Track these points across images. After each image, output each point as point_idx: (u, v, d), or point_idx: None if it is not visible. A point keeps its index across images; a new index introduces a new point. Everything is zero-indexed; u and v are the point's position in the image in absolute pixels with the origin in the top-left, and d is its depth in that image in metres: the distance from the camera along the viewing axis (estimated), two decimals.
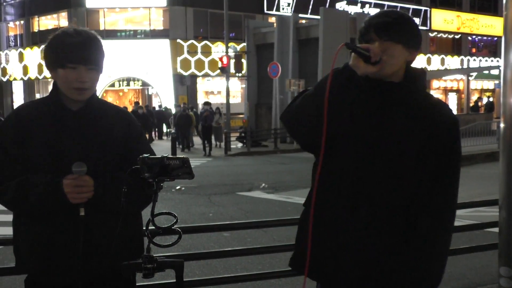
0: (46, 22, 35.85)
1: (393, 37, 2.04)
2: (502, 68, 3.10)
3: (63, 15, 33.52)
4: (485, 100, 39.41)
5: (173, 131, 21.78)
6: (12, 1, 37.76)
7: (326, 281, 2.18)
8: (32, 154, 2.20)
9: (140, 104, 28.85)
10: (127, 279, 2.25)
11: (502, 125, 3.16)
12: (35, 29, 36.18)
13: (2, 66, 37.98)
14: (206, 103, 22.87)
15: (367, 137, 2.05)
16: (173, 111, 27.82)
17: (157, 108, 29.50)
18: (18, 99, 37.31)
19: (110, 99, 32.96)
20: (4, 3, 38.25)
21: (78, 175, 2.10)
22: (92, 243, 2.17)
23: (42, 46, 34.23)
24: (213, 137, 22.52)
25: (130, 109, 23.64)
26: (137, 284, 2.43)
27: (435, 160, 2.05)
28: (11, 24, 38.22)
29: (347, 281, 2.10)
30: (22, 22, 36.83)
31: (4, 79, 37.95)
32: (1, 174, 2.21)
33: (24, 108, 2.34)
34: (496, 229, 3.39)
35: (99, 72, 2.27)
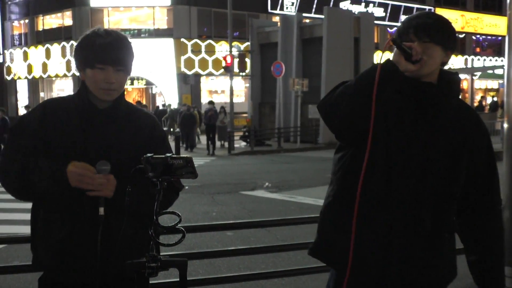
0: (50, 21, 35.93)
1: (433, 39, 2.08)
2: (505, 68, 3.10)
3: (68, 14, 33.59)
4: (489, 100, 39.30)
5: (177, 130, 21.79)
6: (17, 0, 37.85)
7: (353, 272, 2.15)
8: (54, 148, 2.19)
9: (144, 103, 28.93)
10: (142, 280, 2.25)
11: (505, 125, 3.16)
12: (40, 28, 36.26)
13: (6, 65, 38.07)
14: (210, 102, 22.88)
15: (400, 133, 2.08)
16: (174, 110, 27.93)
17: (160, 107, 29.53)
18: (23, 98, 37.41)
19: None
20: (9, 2, 38.35)
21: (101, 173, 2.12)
22: (110, 243, 2.16)
23: (47, 45, 34.40)
24: (217, 136, 22.53)
25: None
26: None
27: (474, 162, 2.16)
28: (15, 23, 38.31)
29: (376, 274, 2.14)
30: (26, 21, 36.92)
31: (9, 78, 38.05)
32: (13, 158, 2.18)
33: (52, 102, 2.34)
34: None
35: (128, 73, 2.28)
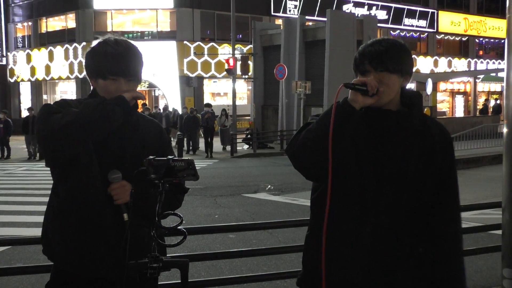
0: (53, 24, 36.03)
1: (388, 68, 2.11)
2: (505, 70, 3.11)
3: (71, 16, 33.69)
4: (492, 103, 39.27)
5: (179, 132, 21.82)
6: (20, 3, 37.96)
7: None
8: (83, 155, 2.24)
9: (147, 105, 28.94)
10: (152, 280, 2.28)
11: (505, 129, 3.17)
12: (43, 30, 36.36)
13: (10, 67, 38.17)
14: (207, 105, 22.86)
15: (370, 160, 2.14)
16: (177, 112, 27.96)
17: (170, 109, 29.47)
18: (26, 100, 37.49)
19: None
20: (13, 4, 38.46)
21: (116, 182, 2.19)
22: (127, 237, 2.17)
23: (50, 47, 34.51)
24: (219, 140, 22.52)
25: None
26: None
27: (437, 175, 2.18)
28: (19, 25, 38.41)
29: None
30: (30, 23, 37.02)
31: (12, 80, 38.15)
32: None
33: (70, 103, 2.35)
34: (500, 231, 3.41)
35: (138, 82, 2.36)
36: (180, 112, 28.51)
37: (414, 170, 2.14)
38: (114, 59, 2.24)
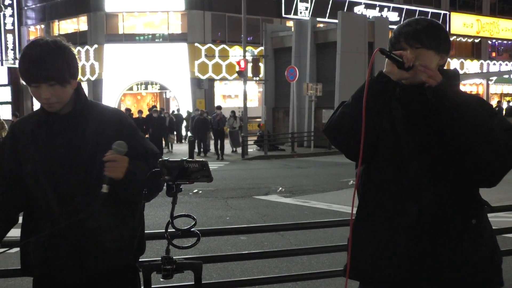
0: (66, 26, 36.26)
1: (424, 44, 2.11)
2: None
3: (83, 19, 33.88)
4: (505, 105, 38.99)
5: (190, 134, 21.85)
6: (33, 6, 38.25)
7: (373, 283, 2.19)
8: (26, 163, 2.25)
9: (157, 108, 29.02)
10: (132, 279, 2.29)
11: None
12: (55, 33, 36.54)
13: None
14: (218, 107, 22.91)
15: (408, 141, 2.10)
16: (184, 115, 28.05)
17: (175, 112, 29.59)
18: (37, 102, 37.48)
19: (128, 102, 33.20)
20: (25, 8, 38.77)
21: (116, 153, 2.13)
22: (90, 242, 2.21)
23: None
24: (229, 142, 22.53)
25: (146, 113, 23.76)
26: (156, 285, 2.45)
27: None
28: (32, 28, 38.70)
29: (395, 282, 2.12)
30: (42, 26, 37.28)
31: (25, 83, 38.37)
32: None
33: (18, 122, 2.41)
34: None
35: (65, 82, 2.20)
36: (180, 113, 28.64)
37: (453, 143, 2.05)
38: (31, 64, 2.15)
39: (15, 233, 2.40)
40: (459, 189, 2.07)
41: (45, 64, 2.13)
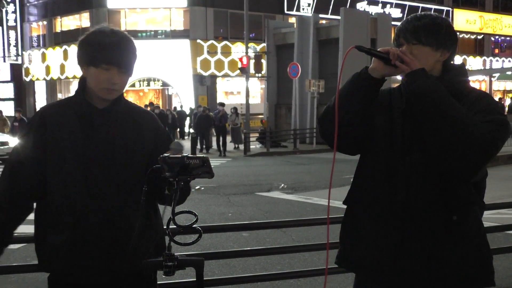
0: (68, 23, 36.28)
1: (420, 40, 2.12)
2: None
3: (85, 15, 33.89)
4: (508, 101, 38.92)
5: (192, 131, 21.86)
6: (35, 2, 38.26)
7: (366, 272, 2.24)
8: (57, 154, 2.19)
9: (157, 104, 29.05)
10: (149, 279, 2.26)
11: None
12: (58, 29, 36.62)
13: (25, 66, 38.49)
14: (221, 104, 22.91)
15: (403, 135, 2.13)
16: (187, 112, 28.03)
17: (178, 109, 29.60)
18: (40, 99, 37.78)
19: (130, 99, 32.99)
20: (28, 4, 38.78)
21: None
22: (117, 243, 2.18)
23: (65, 46, 34.71)
24: (229, 138, 22.52)
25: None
26: (157, 282, 2.45)
27: None
28: (34, 25, 38.73)
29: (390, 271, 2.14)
30: (45, 22, 37.31)
31: (27, 79, 38.45)
32: (17, 178, 2.22)
33: (47, 110, 2.32)
34: None
35: (129, 75, 2.27)
36: (183, 110, 28.61)
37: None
38: (109, 48, 2.17)
39: (23, 229, 2.37)
40: (444, 185, 2.07)
41: (122, 49, 2.20)
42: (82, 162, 2.18)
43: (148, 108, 24.07)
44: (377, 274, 2.17)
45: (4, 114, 22.71)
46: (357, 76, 2.13)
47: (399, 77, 2.16)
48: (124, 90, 2.32)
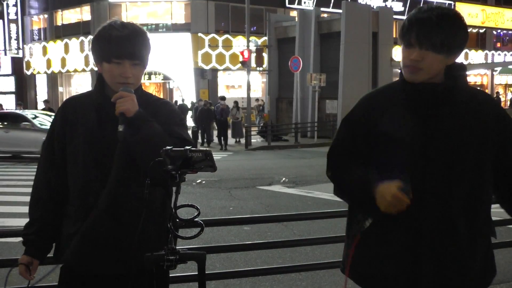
0: (69, 16, 36.20)
1: (435, 47, 1.95)
2: None
3: (86, 8, 33.81)
4: (510, 96, 38.89)
5: (193, 125, 21.85)
6: None
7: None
8: (73, 143, 2.24)
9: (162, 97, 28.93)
10: (163, 272, 2.25)
11: None
12: (58, 22, 36.55)
13: (26, 59, 38.44)
14: (223, 98, 22.88)
15: (416, 141, 2.00)
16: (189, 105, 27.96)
17: (179, 102, 29.57)
18: (41, 92, 37.77)
19: None
20: None
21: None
22: (124, 235, 2.18)
23: (66, 40, 34.67)
24: (230, 132, 22.51)
25: None
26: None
27: (500, 155, 2.04)
28: (35, 18, 38.66)
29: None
30: (45, 15, 37.23)
31: (28, 73, 38.42)
32: (48, 168, 2.30)
33: (70, 100, 2.40)
34: None
35: (144, 67, 2.28)
36: (185, 104, 28.54)
37: (466, 150, 1.98)
38: (119, 42, 2.17)
39: (19, 222, 2.38)
40: (463, 196, 2.01)
41: (133, 42, 2.20)
42: (95, 151, 2.21)
43: None
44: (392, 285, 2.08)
45: (5, 107, 22.70)
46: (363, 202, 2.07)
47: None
48: (140, 83, 2.31)
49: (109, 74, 2.22)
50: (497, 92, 37.83)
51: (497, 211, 2.20)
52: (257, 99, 27.55)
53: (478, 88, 2.20)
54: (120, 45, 2.17)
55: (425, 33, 1.95)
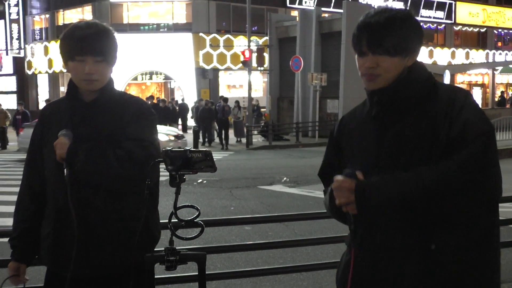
0: (70, 16, 36.18)
1: (389, 52, 1.86)
2: None
3: (87, 8, 33.82)
4: (510, 94, 38.80)
5: (194, 124, 21.85)
6: None
7: None
8: (48, 146, 2.26)
9: (159, 97, 28.95)
10: (148, 273, 2.24)
11: None
12: (60, 22, 36.55)
13: (27, 59, 38.46)
14: (225, 100, 22.88)
15: (370, 148, 1.94)
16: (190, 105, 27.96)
17: (180, 102, 29.57)
18: (43, 92, 37.77)
19: (133, 92, 33.13)
20: None
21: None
22: (94, 235, 2.19)
23: None
24: (232, 132, 22.52)
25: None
26: (159, 276, 2.44)
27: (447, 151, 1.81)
28: (36, 18, 38.66)
29: None
30: (47, 15, 37.24)
31: (30, 72, 38.44)
32: (30, 173, 2.38)
33: (48, 106, 2.47)
34: None
35: (110, 64, 2.27)
36: (185, 103, 28.54)
37: (412, 152, 1.83)
38: (81, 40, 2.19)
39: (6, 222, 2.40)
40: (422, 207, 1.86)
41: (96, 39, 2.20)
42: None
43: (148, 102, 24.18)
44: None
45: (7, 107, 22.72)
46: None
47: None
48: (106, 80, 2.30)
49: (74, 72, 2.24)
50: (502, 91, 37.76)
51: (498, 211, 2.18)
52: (252, 99, 27.41)
53: (446, 83, 2.03)
54: (82, 42, 2.19)
55: (375, 38, 1.86)
